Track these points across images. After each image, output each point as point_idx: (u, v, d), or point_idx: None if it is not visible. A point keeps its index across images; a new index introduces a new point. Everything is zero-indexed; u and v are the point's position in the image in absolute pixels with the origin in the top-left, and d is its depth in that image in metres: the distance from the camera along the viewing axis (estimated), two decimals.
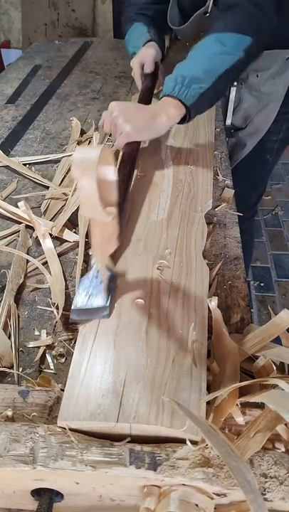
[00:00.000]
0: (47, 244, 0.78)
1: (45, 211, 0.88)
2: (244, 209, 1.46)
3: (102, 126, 0.88)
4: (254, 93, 1.25)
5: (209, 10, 1.08)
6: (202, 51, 0.87)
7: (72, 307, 0.59)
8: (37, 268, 0.76)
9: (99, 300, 0.58)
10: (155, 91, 1.12)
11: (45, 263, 0.75)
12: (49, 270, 0.73)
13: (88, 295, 0.59)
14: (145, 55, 1.12)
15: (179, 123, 0.86)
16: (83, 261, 0.75)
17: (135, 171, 0.89)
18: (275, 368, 0.53)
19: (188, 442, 0.45)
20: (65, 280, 0.72)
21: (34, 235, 0.83)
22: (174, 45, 1.73)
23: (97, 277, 0.61)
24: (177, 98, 0.82)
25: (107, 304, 0.58)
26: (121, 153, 0.84)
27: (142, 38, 1.17)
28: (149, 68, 1.12)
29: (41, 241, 0.78)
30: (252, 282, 2.08)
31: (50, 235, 0.79)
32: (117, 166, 0.80)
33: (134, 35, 1.20)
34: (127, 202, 0.77)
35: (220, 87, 0.86)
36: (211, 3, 1.07)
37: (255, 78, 1.22)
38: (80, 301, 0.59)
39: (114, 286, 0.62)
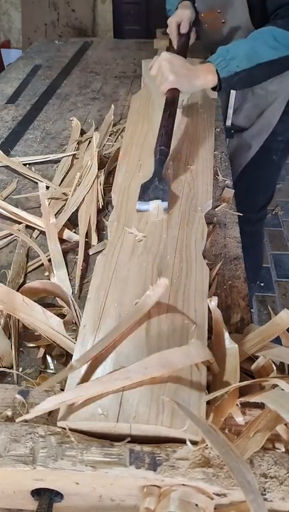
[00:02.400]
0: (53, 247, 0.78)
1: None
2: (252, 212, 1.43)
3: (150, 67, 1.00)
4: (260, 92, 1.25)
5: None
6: (256, 37, 0.96)
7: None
8: (37, 268, 0.76)
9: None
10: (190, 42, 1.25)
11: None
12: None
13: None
14: (182, 16, 1.25)
15: (212, 89, 0.98)
16: (83, 261, 0.76)
17: (136, 173, 0.90)
18: (275, 367, 0.53)
19: (188, 442, 0.44)
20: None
21: (34, 235, 0.83)
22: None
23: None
24: (215, 68, 0.94)
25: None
26: (165, 98, 0.96)
27: None
28: (185, 28, 1.25)
29: (49, 244, 0.78)
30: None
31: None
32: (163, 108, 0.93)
33: None
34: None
35: (256, 74, 0.96)
36: None
37: None
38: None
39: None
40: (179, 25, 1.26)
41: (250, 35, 0.99)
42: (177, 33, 1.26)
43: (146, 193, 0.79)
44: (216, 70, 0.94)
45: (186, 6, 1.27)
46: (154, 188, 0.79)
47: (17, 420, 0.47)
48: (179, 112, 1.09)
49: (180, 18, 1.25)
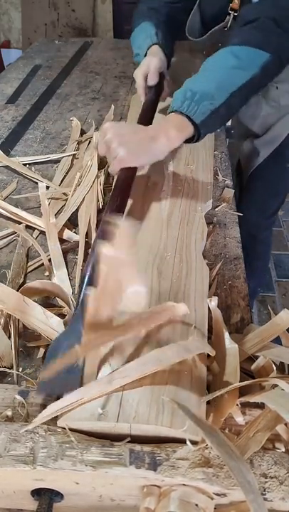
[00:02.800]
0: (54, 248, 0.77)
1: None
2: (263, 218, 1.38)
3: (96, 148, 0.82)
4: (272, 104, 1.18)
5: (229, 25, 1.03)
6: (215, 64, 0.82)
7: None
8: (37, 268, 0.76)
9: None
10: (161, 101, 1.04)
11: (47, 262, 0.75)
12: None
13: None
14: (149, 66, 1.02)
15: (185, 142, 0.79)
16: (83, 261, 0.75)
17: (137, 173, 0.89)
18: (275, 368, 0.53)
19: (188, 442, 0.45)
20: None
21: (34, 235, 0.83)
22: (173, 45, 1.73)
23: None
24: (186, 115, 0.76)
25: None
26: (115, 180, 0.76)
27: (147, 40, 1.09)
28: (152, 80, 1.02)
29: (49, 244, 0.78)
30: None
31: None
32: (109, 196, 0.73)
33: (141, 35, 1.12)
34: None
35: (233, 104, 0.80)
36: (231, 18, 1.02)
37: (274, 90, 1.15)
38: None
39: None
40: (146, 78, 1.04)
41: (205, 64, 0.84)
42: (144, 88, 1.04)
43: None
44: (188, 118, 0.76)
45: (155, 53, 1.05)
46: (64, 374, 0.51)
47: (20, 432, 0.46)
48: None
49: (146, 68, 1.02)
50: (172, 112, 0.77)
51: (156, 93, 1.02)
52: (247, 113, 1.24)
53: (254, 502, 0.38)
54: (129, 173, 0.75)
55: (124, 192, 0.73)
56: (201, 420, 0.45)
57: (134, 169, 0.76)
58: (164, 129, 0.76)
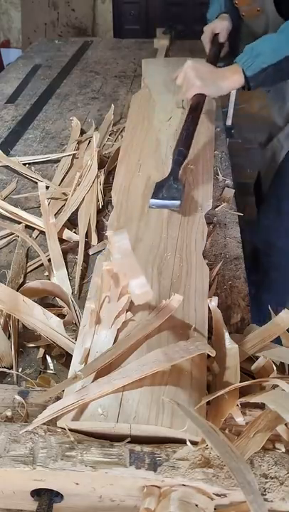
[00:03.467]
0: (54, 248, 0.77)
1: None
2: (283, 223, 1.23)
3: (175, 78, 0.98)
4: None
5: None
6: (282, 30, 0.92)
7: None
8: (37, 268, 0.75)
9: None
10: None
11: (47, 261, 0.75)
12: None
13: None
14: (220, 26, 1.23)
15: (242, 89, 0.94)
16: (83, 261, 0.75)
17: (136, 173, 0.89)
18: (275, 368, 0.53)
19: (188, 443, 0.44)
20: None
21: (34, 235, 0.83)
22: (174, 45, 1.73)
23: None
24: (241, 67, 0.91)
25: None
26: (189, 104, 0.95)
27: (218, 7, 1.28)
28: (223, 38, 1.23)
29: (49, 244, 0.77)
30: None
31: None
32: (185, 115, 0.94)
33: (215, 2, 1.30)
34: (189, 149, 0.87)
35: (285, 68, 0.91)
36: None
37: None
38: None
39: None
40: (213, 35, 1.25)
41: (279, 28, 0.94)
42: (210, 41, 1.24)
43: (160, 190, 0.80)
44: (242, 70, 0.91)
45: (225, 18, 1.25)
46: (169, 186, 0.80)
47: (20, 432, 0.46)
48: (179, 112, 1.10)
49: (216, 27, 1.24)
50: (235, 62, 0.93)
51: (218, 49, 1.23)
52: (275, 106, 1.24)
53: (254, 502, 0.38)
54: (201, 99, 0.95)
55: (198, 113, 0.94)
56: (202, 421, 0.45)
57: (204, 97, 0.96)
58: (230, 73, 0.93)
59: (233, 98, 1.32)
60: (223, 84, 0.94)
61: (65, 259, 0.76)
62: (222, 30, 1.24)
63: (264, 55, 0.90)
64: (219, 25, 1.24)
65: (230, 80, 0.93)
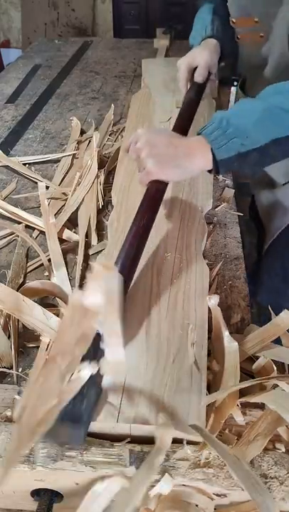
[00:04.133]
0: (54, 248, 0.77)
1: None
2: None
3: (126, 150, 0.72)
4: None
5: None
6: (264, 99, 0.66)
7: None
8: (37, 268, 0.75)
9: None
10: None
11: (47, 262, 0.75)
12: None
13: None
14: (198, 58, 0.90)
15: (209, 173, 0.69)
16: (83, 261, 0.75)
17: (136, 173, 0.89)
18: (275, 368, 0.53)
19: (184, 443, 0.44)
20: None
21: (34, 235, 0.83)
22: (174, 44, 1.73)
23: None
24: (210, 145, 0.65)
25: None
26: (144, 193, 0.68)
27: (202, 30, 0.94)
28: (200, 76, 0.91)
29: (49, 244, 0.77)
30: None
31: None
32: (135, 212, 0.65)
33: (198, 23, 0.98)
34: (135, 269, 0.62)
35: (272, 153, 0.65)
36: None
37: None
38: None
39: None
40: (192, 69, 0.92)
41: (262, 92, 0.68)
42: (187, 80, 0.92)
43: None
44: (211, 149, 0.64)
45: (208, 46, 0.92)
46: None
47: None
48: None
49: (194, 60, 0.91)
50: (200, 134, 0.67)
51: (199, 92, 0.89)
52: None
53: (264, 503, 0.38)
54: (159, 187, 0.67)
55: (152, 208, 0.66)
56: (201, 421, 0.45)
57: (165, 184, 0.69)
58: (201, 149, 0.66)
59: (233, 98, 1.31)
60: (190, 166, 0.66)
61: (65, 259, 0.76)
62: (201, 63, 0.90)
63: (243, 134, 0.63)
64: (198, 57, 0.90)
65: (198, 158, 0.66)
